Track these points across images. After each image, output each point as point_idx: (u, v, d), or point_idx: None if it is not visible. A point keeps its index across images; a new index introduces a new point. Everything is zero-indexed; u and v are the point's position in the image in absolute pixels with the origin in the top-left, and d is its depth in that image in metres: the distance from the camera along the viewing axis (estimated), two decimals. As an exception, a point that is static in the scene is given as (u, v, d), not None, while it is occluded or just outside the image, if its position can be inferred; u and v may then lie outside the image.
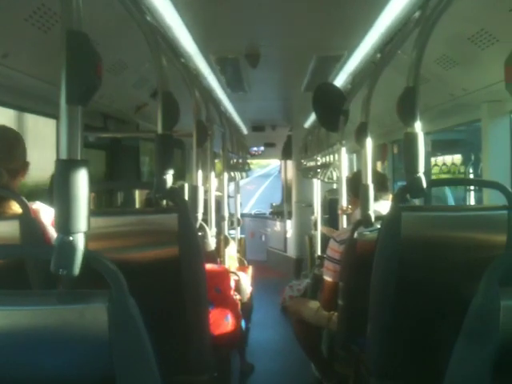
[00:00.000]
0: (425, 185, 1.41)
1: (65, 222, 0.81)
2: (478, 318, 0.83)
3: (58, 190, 0.81)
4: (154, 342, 0.83)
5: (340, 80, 3.08)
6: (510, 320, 0.81)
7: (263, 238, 7.93)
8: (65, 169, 0.81)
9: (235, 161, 4.80)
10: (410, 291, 1.42)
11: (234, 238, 4.53)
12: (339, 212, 2.81)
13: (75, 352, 0.80)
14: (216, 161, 3.50)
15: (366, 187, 1.97)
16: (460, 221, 1.48)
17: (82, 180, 0.82)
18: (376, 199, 2.01)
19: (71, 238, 0.80)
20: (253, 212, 8.67)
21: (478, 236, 1.43)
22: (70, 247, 0.80)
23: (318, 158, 4.59)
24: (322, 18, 2.13)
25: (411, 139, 1.43)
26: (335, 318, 2.14)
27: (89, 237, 0.84)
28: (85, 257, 0.81)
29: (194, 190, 2.16)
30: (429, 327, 1.43)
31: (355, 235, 1.87)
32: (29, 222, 1.37)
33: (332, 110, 2.61)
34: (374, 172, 2.19)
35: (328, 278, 2.20)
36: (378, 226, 1.80)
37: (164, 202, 2.16)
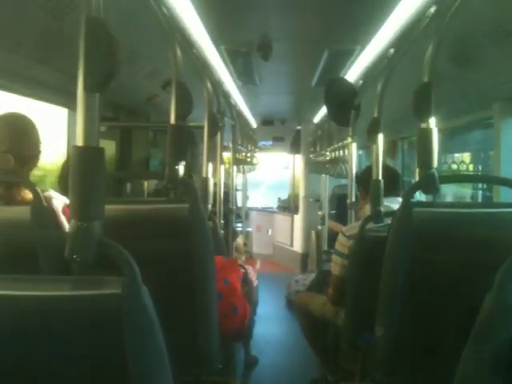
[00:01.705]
0: (437, 181, 1.40)
1: (80, 209, 0.81)
2: (492, 313, 0.82)
3: (74, 177, 0.82)
4: (163, 332, 0.84)
5: (352, 75, 3.06)
6: None
7: (270, 232, 7.93)
8: (82, 155, 0.82)
9: (244, 154, 4.80)
10: (420, 288, 1.41)
11: (241, 232, 4.54)
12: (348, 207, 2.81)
13: (87, 339, 0.80)
14: (224, 154, 3.50)
15: (376, 183, 1.97)
16: (473, 217, 1.47)
17: (98, 167, 0.83)
18: (386, 195, 2.01)
19: (86, 225, 0.81)
20: (260, 206, 8.67)
21: (490, 233, 1.41)
22: (86, 233, 0.80)
23: (327, 153, 4.57)
24: (334, 11, 2.11)
25: (425, 134, 1.43)
26: (342, 312, 2.15)
27: (100, 225, 0.84)
28: (99, 244, 0.81)
29: (204, 182, 2.16)
30: (438, 325, 1.42)
31: (365, 230, 1.87)
32: (40, 208, 1.37)
33: (343, 104, 2.60)
34: (386, 167, 2.19)
35: (336, 273, 2.20)
36: (388, 222, 1.80)
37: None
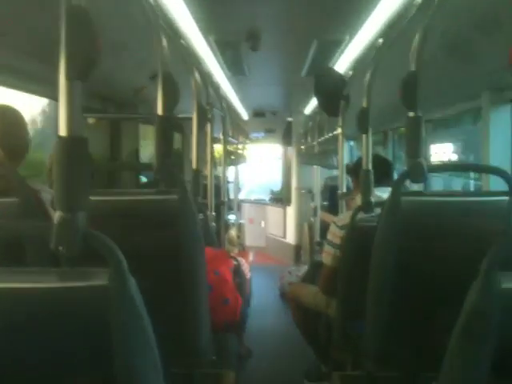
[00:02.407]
0: (426, 170, 1.41)
1: (65, 200, 0.80)
2: (478, 301, 0.83)
3: (59, 168, 0.81)
4: (153, 325, 0.83)
5: (341, 65, 3.05)
6: (510, 303, 0.80)
7: (262, 224, 7.94)
8: (65, 146, 0.81)
9: (235, 146, 4.78)
10: (409, 277, 1.42)
11: (233, 224, 4.54)
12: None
13: (74, 331, 0.80)
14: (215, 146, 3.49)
15: (366, 173, 1.97)
16: (461, 206, 1.48)
17: (82, 157, 0.82)
18: (378, 185, 2.01)
19: (71, 216, 0.80)
20: (252, 198, 8.67)
21: (479, 222, 1.42)
22: (70, 225, 0.80)
23: (318, 145, 4.58)
24: (323, 1, 2.10)
25: (413, 123, 1.43)
26: (333, 302, 2.15)
27: (87, 216, 0.83)
28: (84, 235, 0.81)
29: (194, 174, 2.15)
30: (428, 313, 1.43)
31: (356, 221, 1.87)
32: (28, 200, 1.36)
33: (333, 95, 2.60)
34: (377, 157, 2.19)
35: (327, 263, 2.21)
36: (379, 212, 1.80)
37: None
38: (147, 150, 4.44)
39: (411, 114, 1.44)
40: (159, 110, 1.54)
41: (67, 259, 0.82)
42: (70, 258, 0.80)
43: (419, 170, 1.41)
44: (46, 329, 0.79)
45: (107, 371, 0.79)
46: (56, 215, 0.81)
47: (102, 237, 0.82)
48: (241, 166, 5.75)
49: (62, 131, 0.81)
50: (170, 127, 1.55)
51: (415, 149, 1.42)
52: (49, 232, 0.80)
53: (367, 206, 1.89)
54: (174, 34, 2.06)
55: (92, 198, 0.86)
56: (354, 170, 2.45)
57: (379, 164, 2.12)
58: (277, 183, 8.42)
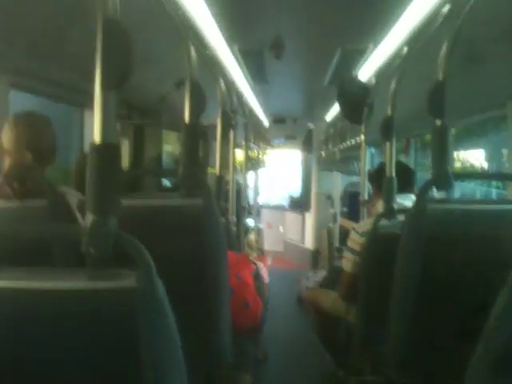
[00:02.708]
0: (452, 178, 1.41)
1: (98, 204, 0.83)
2: (505, 310, 0.82)
3: (92, 173, 0.84)
4: (177, 327, 0.85)
5: (364, 73, 3.06)
6: None
7: (281, 229, 7.94)
8: (99, 152, 0.84)
9: (256, 152, 4.81)
10: (434, 285, 1.41)
11: (252, 229, 4.56)
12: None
13: (102, 332, 0.81)
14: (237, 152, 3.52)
15: (389, 180, 1.97)
16: (487, 214, 1.47)
17: (115, 163, 0.85)
18: (399, 192, 2.01)
19: (103, 219, 0.83)
20: (271, 203, 8.67)
21: (505, 230, 1.41)
22: (103, 228, 0.82)
23: (339, 151, 4.57)
24: (347, 10, 2.11)
25: (439, 132, 1.44)
26: (353, 309, 2.16)
27: (117, 221, 0.86)
28: (116, 238, 0.83)
29: (218, 179, 2.18)
30: (451, 322, 1.42)
31: (377, 227, 1.88)
32: (56, 203, 1.39)
33: (356, 103, 2.61)
34: (399, 164, 2.19)
35: (347, 269, 2.21)
36: (400, 219, 1.80)
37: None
38: (168, 155, 4.49)
39: (438, 122, 1.45)
40: (186, 118, 1.58)
41: (96, 261, 0.85)
42: (100, 260, 0.83)
43: (446, 178, 1.41)
44: (74, 329, 0.81)
45: (134, 372, 0.80)
46: (89, 218, 0.84)
47: (132, 240, 0.84)
48: (260, 172, 5.77)
49: (97, 138, 0.85)
50: (196, 134, 1.58)
51: (441, 157, 1.43)
52: (78, 235, 0.83)
53: (390, 212, 1.89)
54: (201, 43, 2.10)
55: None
56: (376, 176, 2.45)
57: (402, 171, 2.12)
58: (296, 189, 8.41)
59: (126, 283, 0.80)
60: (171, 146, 4.40)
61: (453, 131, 3.23)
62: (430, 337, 1.45)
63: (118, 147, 0.86)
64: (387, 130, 2.01)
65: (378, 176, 2.32)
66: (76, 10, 1.62)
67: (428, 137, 3.63)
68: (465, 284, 1.41)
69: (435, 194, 2.24)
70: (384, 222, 1.87)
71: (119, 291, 0.81)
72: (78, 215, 1.51)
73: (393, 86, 1.97)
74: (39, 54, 1.81)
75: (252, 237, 4.40)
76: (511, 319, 0.81)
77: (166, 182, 4.17)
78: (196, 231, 1.45)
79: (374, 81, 2.87)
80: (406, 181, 2.19)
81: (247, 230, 3.81)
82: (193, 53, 1.58)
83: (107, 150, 0.85)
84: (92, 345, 0.82)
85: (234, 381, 1.89)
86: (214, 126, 2.26)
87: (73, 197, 1.55)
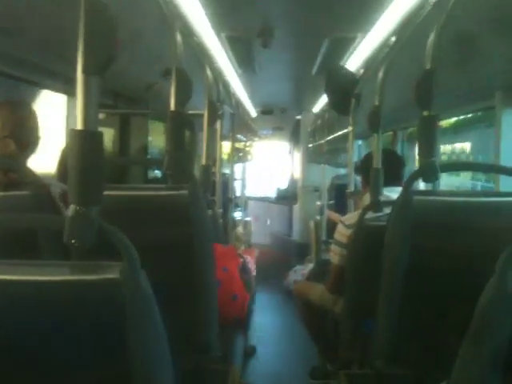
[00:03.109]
0: (439, 169, 1.40)
1: (79, 193, 0.81)
2: (492, 302, 0.82)
3: (73, 161, 0.81)
4: (162, 318, 0.83)
5: (352, 63, 3.04)
6: None
7: (268, 222, 7.94)
8: (81, 139, 0.81)
9: (243, 143, 4.79)
10: (421, 276, 1.41)
11: (239, 221, 4.55)
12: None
13: (86, 324, 0.80)
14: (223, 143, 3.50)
15: (376, 171, 1.96)
16: (473, 206, 1.47)
17: (97, 151, 0.82)
18: (386, 184, 2.00)
19: (85, 210, 0.80)
20: (259, 196, 8.67)
21: (491, 222, 1.41)
22: (84, 218, 0.80)
23: (326, 143, 4.57)
24: (335, -1, 2.09)
25: (426, 123, 1.42)
26: (340, 300, 2.15)
27: (99, 211, 0.84)
28: (98, 228, 0.81)
29: (204, 170, 2.16)
30: (440, 312, 1.42)
31: (364, 220, 1.87)
32: (39, 194, 1.36)
33: (344, 93, 2.59)
34: (388, 153, 2.17)
35: (335, 262, 2.20)
36: (387, 212, 1.79)
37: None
38: (154, 146, 4.45)
39: (425, 113, 1.43)
40: (171, 105, 1.55)
41: (78, 252, 0.83)
42: (81, 251, 0.81)
43: (432, 169, 1.40)
44: (58, 322, 0.79)
45: (120, 364, 0.79)
46: (70, 208, 0.81)
47: (115, 231, 0.82)
48: (247, 164, 5.76)
49: (79, 125, 0.82)
50: (181, 123, 1.56)
51: (428, 148, 1.42)
52: (62, 225, 0.81)
53: (376, 205, 1.89)
54: (187, 30, 2.07)
55: (104, 192, 0.87)
56: (362, 168, 2.44)
57: (391, 163, 2.11)
58: (283, 181, 8.41)
59: (109, 275, 0.79)
60: (158, 138, 4.37)
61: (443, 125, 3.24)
62: (419, 328, 1.45)
63: (100, 135, 0.83)
64: (374, 121, 1.99)
65: (364, 167, 2.31)
66: None
67: (415, 130, 3.64)
68: (452, 275, 1.41)
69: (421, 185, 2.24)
70: (370, 214, 1.86)
71: (102, 283, 0.79)
72: (62, 206, 1.48)
73: (380, 75, 1.95)
74: (19, 39, 1.76)
75: (240, 229, 4.40)
76: (497, 311, 0.81)
77: (158, 173, 4.13)
78: (182, 222, 1.43)
79: (361, 71, 2.85)
80: (394, 173, 2.17)
81: (235, 222, 3.79)
82: (179, 39, 1.55)
83: (89, 138, 0.82)
84: (76, 338, 0.80)
85: (222, 374, 1.88)
86: (201, 116, 2.22)
87: (56, 187, 1.52)
